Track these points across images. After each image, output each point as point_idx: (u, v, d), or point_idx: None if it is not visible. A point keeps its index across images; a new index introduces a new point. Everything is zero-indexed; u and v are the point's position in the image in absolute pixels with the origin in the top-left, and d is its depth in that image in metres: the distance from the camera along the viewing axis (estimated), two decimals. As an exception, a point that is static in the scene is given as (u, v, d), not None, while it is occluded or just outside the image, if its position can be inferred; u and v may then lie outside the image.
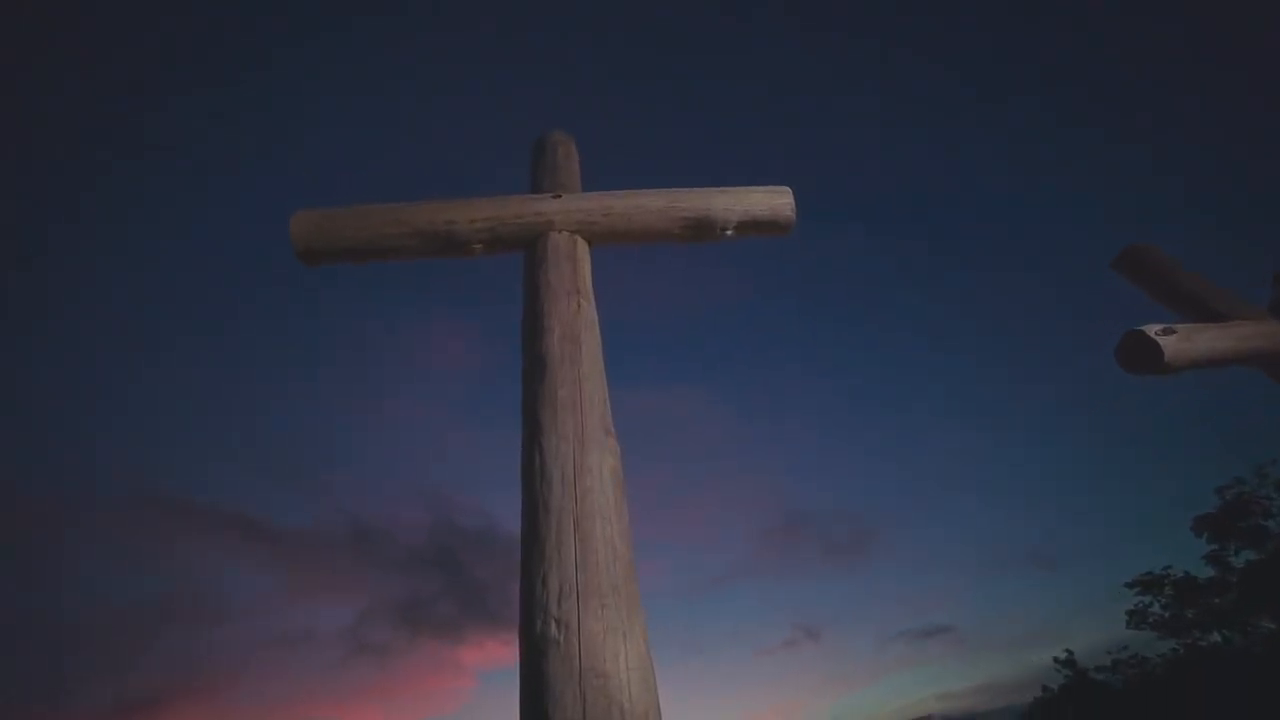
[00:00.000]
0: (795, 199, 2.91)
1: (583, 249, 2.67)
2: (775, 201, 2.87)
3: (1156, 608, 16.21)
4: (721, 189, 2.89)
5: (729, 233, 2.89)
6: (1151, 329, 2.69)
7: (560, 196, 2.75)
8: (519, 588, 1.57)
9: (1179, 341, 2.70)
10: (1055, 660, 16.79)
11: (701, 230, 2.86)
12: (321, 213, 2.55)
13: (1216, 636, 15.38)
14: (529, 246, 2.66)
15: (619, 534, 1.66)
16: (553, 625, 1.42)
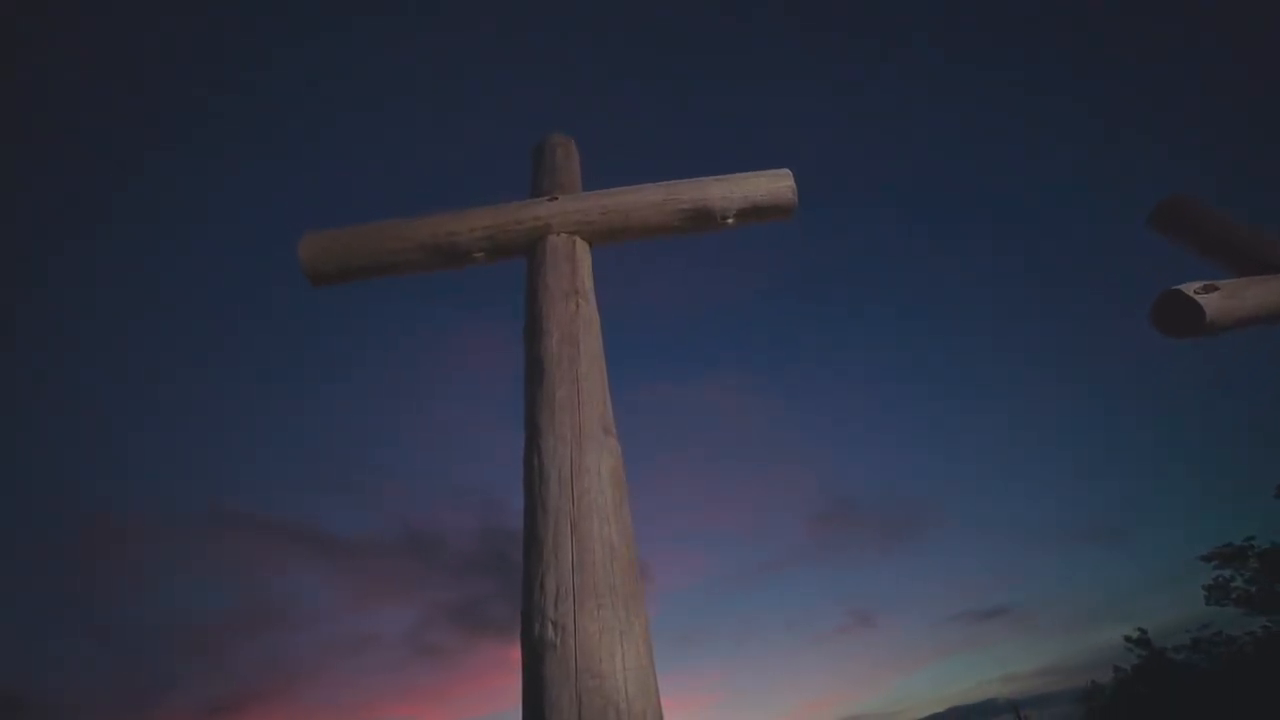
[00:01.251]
0: (796, 181, 2.84)
1: (582, 249, 2.68)
2: (775, 185, 2.81)
3: (1240, 582, 15.13)
4: (719, 177, 2.84)
5: (729, 221, 2.84)
6: (1190, 287, 2.51)
7: (556, 199, 2.77)
8: (520, 591, 1.60)
9: (1223, 299, 2.50)
10: (1126, 639, 15.85)
11: (702, 220, 2.82)
12: (328, 234, 2.64)
13: (1314, 612, 14.27)
14: (529, 251, 2.68)
15: (618, 533, 1.66)
16: (549, 628, 1.43)
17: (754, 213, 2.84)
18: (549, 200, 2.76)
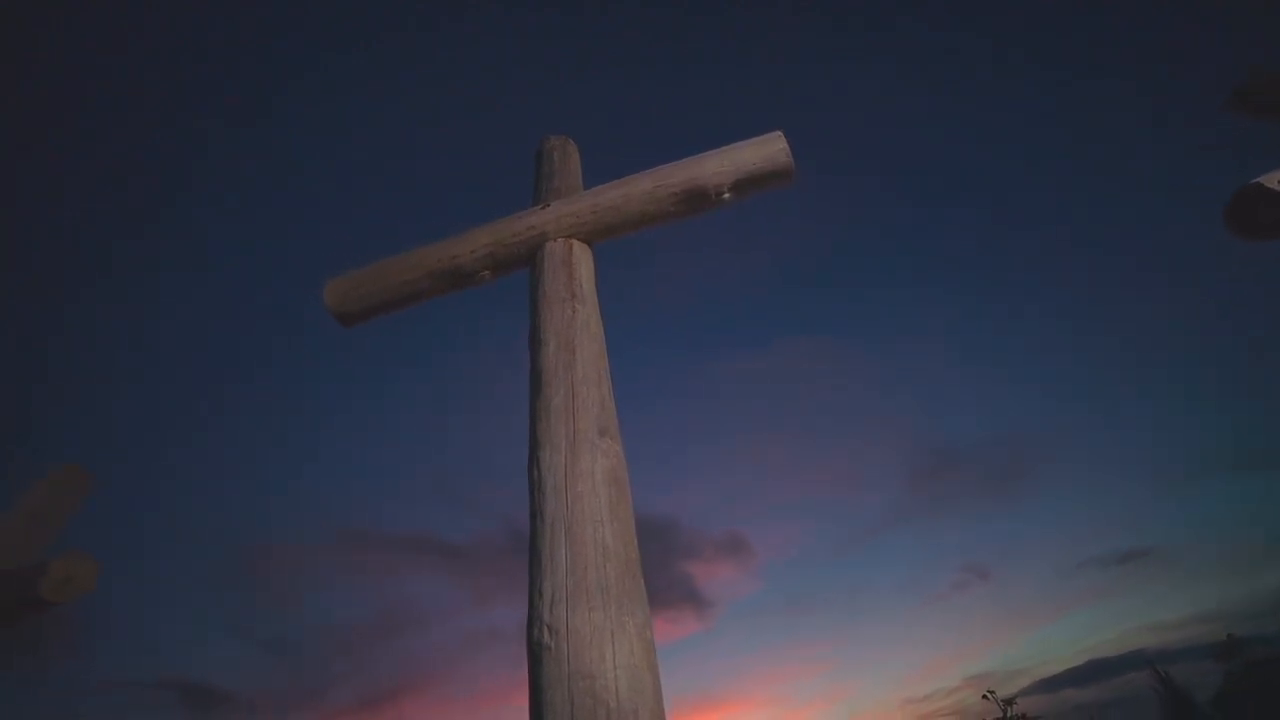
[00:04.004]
0: (789, 142, 2.69)
1: (580, 251, 2.70)
2: (767, 151, 2.68)
3: None
4: (707, 153, 2.75)
5: (726, 196, 2.75)
6: (1275, 177, 2.12)
7: (549, 205, 2.80)
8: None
9: (1319, 185, 2.10)
10: (1310, 578, 13.74)
11: (697, 201, 2.75)
12: (346, 278, 2.84)
13: None
14: (530, 261, 2.74)
15: (613, 534, 1.69)
16: (545, 632, 1.49)
17: (751, 183, 2.73)
18: (542, 208, 2.80)
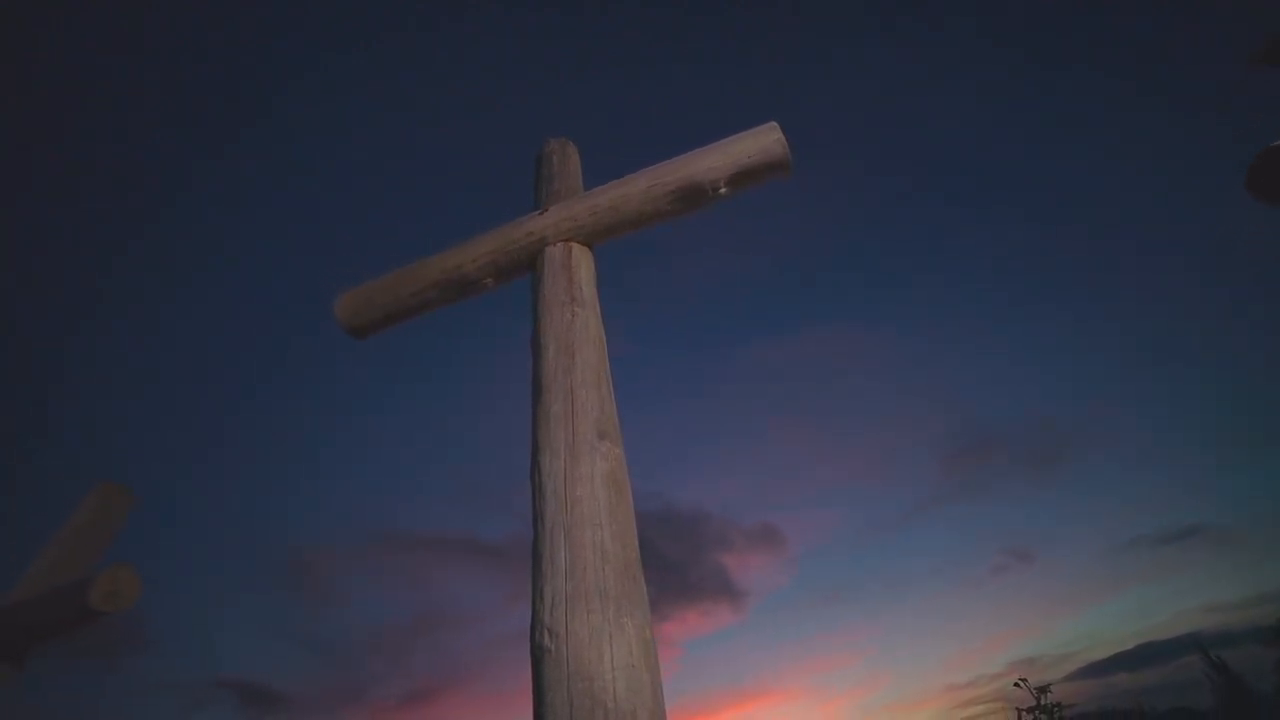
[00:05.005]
0: (785, 133, 2.65)
1: (579, 254, 2.72)
2: (761, 143, 2.65)
3: None
4: (703, 149, 2.74)
5: (723, 191, 2.73)
6: (1297, 140, 2.00)
7: (547, 210, 2.83)
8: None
9: (1348, 144, 1.97)
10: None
11: (693, 198, 2.74)
12: (355, 292, 2.92)
13: None
14: (531, 267, 2.78)
15: (611, 536, 1.71)
16: (545, 635, 1.52)
17: (746, 176, 2.70)
18: (540, 213, 2.82)
